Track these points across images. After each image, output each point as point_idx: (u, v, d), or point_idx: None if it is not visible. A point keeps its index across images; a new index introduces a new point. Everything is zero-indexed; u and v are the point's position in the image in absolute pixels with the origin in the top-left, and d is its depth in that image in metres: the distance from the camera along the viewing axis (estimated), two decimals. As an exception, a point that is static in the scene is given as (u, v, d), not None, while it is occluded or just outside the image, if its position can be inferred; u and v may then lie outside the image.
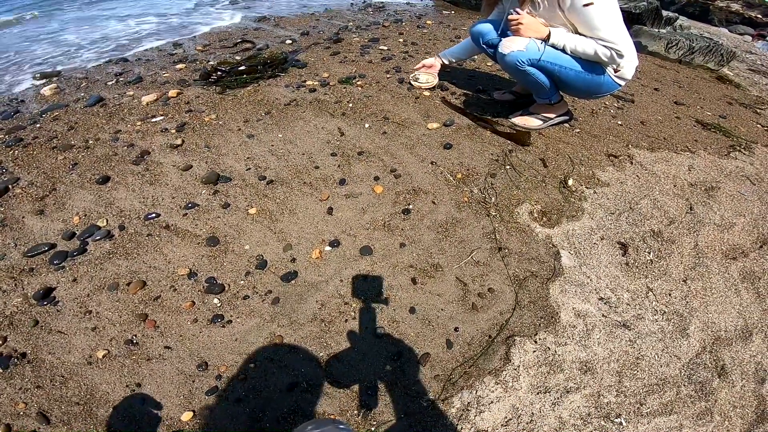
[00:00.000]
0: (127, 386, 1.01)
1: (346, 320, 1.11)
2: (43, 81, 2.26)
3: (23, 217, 1.35)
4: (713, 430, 1.06)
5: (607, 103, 2.09)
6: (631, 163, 1.70)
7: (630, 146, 1.78)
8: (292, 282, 1.19)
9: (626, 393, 1.09)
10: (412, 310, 1.14)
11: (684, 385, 1.12)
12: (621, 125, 1.92)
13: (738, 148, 1.89)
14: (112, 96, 2.01)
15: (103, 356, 1.05)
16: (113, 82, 2.18)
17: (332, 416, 0.99)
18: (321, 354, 1.06)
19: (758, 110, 2.39)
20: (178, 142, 1.63)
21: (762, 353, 1.20)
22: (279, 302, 1.14)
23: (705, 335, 1.19)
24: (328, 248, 1.26)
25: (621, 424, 1.05)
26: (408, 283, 1.19)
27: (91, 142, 1.68)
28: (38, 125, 1.78)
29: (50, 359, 1.05)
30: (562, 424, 1.04)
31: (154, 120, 1.79)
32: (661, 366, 1.13)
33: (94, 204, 1.40)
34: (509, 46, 1.50)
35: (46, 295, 1.15)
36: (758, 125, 2.20)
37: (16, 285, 1.18)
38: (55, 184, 1.48)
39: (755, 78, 2.97)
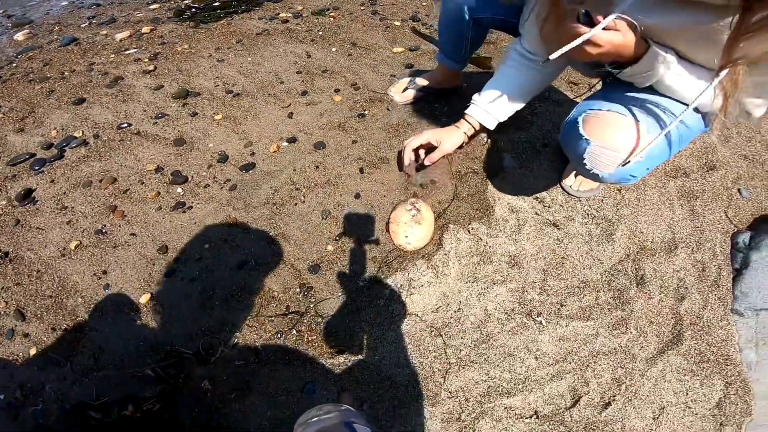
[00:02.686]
0: (94, 274, 1.15)
1: (296, 204, 1.25)
2: (15, 29, 2.33)
3: (6, 135, 1.47)
4: (627, 344, 1.17)
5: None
6: (590, 88, 1.77)
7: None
8: (250, 172, 1.32)
9: (549, 292, 1.19)
10: (357, 196, 1.27)
11: (603, 291, 1.21)
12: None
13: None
14: (86, 36, 2.08)
15: (75, 247, 1.18)
16: (86, 24, 2.25)
17: (275, 292, 1.13)
18: (271, 233, 1.20)
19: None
20: (151, 68, 1.72)
21: (686, 269, 1.28)
22: (236, 189, 1.28)
23: (630, 243, 1.28)
24: (285, 144, 1.39)
25: (541, 323, 1.15)
26: (356, 172, 1.32)
27: (66, 73, 1.77)
28: (14, 65, 1.88)
29: (29, 255, 1.18)
30: (488, 316, 1.15)
31: (127, 52, 1.88)
32: (584, 268, 1.23)
33: (70, 120, 1.51)
34: (604, 162, 0.90)
35: (26, 196, 1.29)
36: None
37: (0, 191, 1.31)
38: (33, 108, 1.58)
39: None
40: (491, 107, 1.16)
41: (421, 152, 1.26)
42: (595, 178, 0.94)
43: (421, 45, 1.83)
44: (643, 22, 0.76)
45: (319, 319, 1.10)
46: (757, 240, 1.36)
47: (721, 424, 1.14)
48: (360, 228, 1.23)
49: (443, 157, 1.23)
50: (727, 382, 1.19)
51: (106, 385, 1.01)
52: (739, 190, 1.45)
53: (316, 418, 0.54)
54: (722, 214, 1.41)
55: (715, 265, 1.34)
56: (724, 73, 0.70)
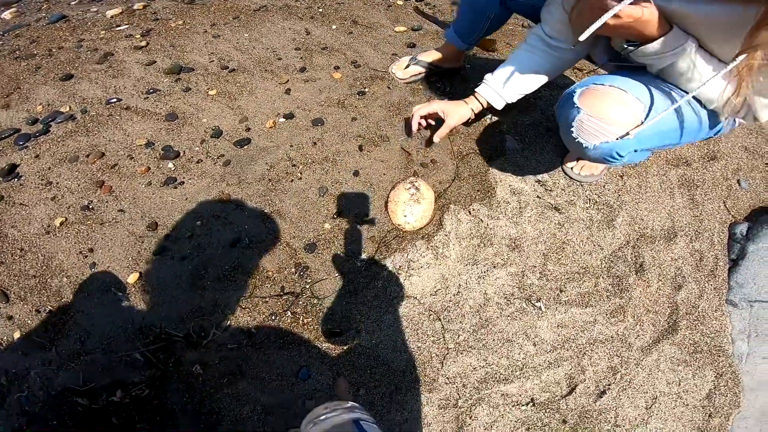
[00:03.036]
0: (80, 252, 1.07)
1: (292, 180, 1.18)
2: (2, 8, 2.21)
3: None
4: (624, 332, 1.14)
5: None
6: (594, 70, 1.72)
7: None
8: (245, 147, 1.24)
9: (549, 277, 1.16)
10: (356, 173, 1.21)
11: (603, 277, 1.19)
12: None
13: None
14: (75, 13, 1.97)
15: (61, 224, 1.11)
16: (76, 1, 2.13)
17: (270, 272, 1.07)
18: (266, 210, 1.13)
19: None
20: (143, 44, 1.63)
21: (684, 258, 1.26)
22: (230, 164, 1.20)
23: (630, 230, 1.26)
24: (282, 120, 1.32)
25: (540, 309, 1.12)
26: (355, 150, 1.26)
27: (54, 50, 1.67)
28: (0, 43, 1.77)
29: (12, 233, 1.10)
30: (487, 300, 1.11)
31: (118, 29, 1.78)
32: (585, 254, 1.20)
33: (57, 96, 1.42)
34: (590, 132, 0.86)
35: (10, 171, 1.20)
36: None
37: (-17, 168, 1.21)
38: (19, 84, 1.48)
39: None
40: (501, 88, 1.13)
41: (431, 122, 1.24)
42: (579, 149, 0.90)
43: (424, 25, 1.76)
44: (668, 6, 0.74)
45: (315, 301, 1.05)
46: (754, 231, 1.34)
47: (709, 416, 1.13)
48: (358, 206, 1.17)
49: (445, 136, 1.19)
50: (718, 374, 1.17)
51: (93, 370, 0.94)
52: (738, 181, 1.43)
53: (324, 416, 0.52)
54: (721, 204, 1.39)
55: (712, 255, 1.32)
56: (741, 57, 0.69)
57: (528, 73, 1.09)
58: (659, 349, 1.16)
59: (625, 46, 0.84)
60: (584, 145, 0.88)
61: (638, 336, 1.17)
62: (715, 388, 1.16)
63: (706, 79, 0.80)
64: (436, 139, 1.19)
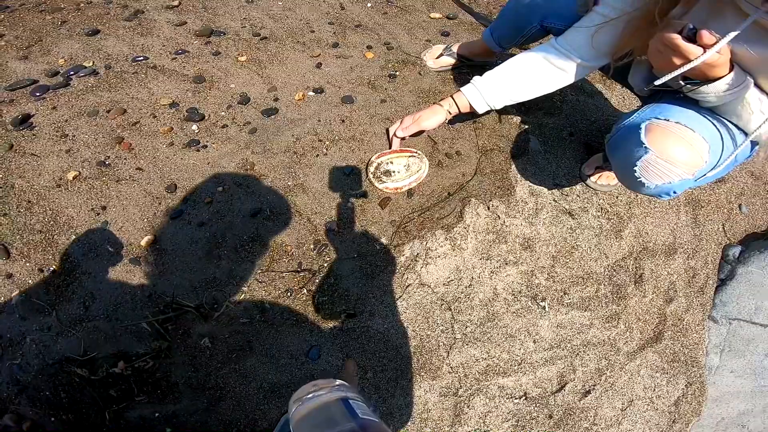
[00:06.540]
0: (92, 209, 0.89)
1: (318, 155, 1.02)
2: None
3: (6, 62, 1.13)
4: (615, 337, 1.06)
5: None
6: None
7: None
8: (272, 117, 1.07)
9: (555, 278, 1.05)
10: None
11: (604, 284, 1.08)
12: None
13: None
14: None
15: (74, 178, 0.92)
16: None
17: (288, 247, 0.93)
18: (289, 183, 0.98)
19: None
20: (175, 3, 1.40)
21: (679, 274, 1.17)
22: (256, 132, 1.03)
23: (635, 242, 1.15)
24: (311, 93, 1.14)
25: (544, 308, 1.02)
26: (382, 132, 1.09)
27: (82, 5, 1.42)
28: None
29: (20, 183, 0.90)
30: (496, 295, 1.00)
31: None
32: (591, 260, 1.09)
33: (81, 51, 1.19)
34: (656, 174, 0.72)
35: (23, 121, 1.00)
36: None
37: (-5, 114, 1.01)
38: (41, 37, 1.24)
39: None
40: (488, 91, 0.94)
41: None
42: (637, 187, 0.76)
43: (460, 14, 1.55)
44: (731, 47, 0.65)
45: (332, 280, 0.91)
46: (745, 255, 1.25)
47: (673, 421, 1.09)
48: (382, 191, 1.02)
49: (471, 129, 1.04)
50: (688, 383, 1.12)
51: (96, 339, 0.79)
52: (739, 205, 1.31)
53: (311, 395, 0.45)
54: (720, 227, 1.28)
55: (704, 273, 1.23)
56: None
57: (525, 80, 0.91)
58: (642, 356, 1.09)
59: (683, 84, 0.70)
60: (646, 185, 0.74)
61: (626, 342, 1.09)
62: (683, 395, 1.11)
63: (757, 115, 0.71)
64: (400, 134, 1.01)
